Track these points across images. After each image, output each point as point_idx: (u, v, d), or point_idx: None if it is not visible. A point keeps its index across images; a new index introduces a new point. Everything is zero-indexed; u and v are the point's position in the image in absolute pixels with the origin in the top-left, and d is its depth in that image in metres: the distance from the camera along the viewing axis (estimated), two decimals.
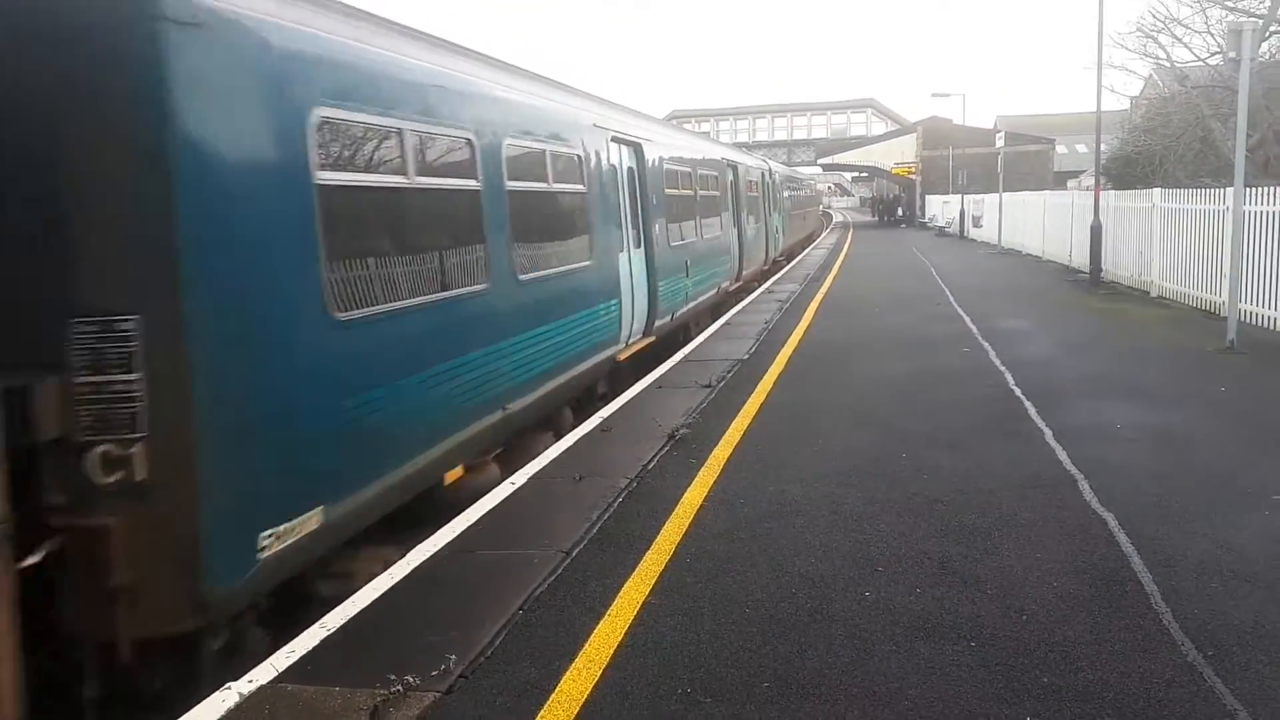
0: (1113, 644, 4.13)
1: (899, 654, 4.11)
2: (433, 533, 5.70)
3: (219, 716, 3.70)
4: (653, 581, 4.96)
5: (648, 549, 5.41)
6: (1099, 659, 4.01)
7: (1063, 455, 6.94)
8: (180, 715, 3.71)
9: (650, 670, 4.05)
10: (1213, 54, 21.55)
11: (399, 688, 3.82)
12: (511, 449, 7.53)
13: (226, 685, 3.91)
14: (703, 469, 6.92)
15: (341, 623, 4.51)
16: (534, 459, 7.39)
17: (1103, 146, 20.69)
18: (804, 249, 37.92)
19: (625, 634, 4.38)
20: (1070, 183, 45.93)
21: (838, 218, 78.20)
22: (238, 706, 3.77)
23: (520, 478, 6.87)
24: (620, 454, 7.44)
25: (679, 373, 11.01)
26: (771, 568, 5.10)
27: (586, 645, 4.27)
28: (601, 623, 4.49)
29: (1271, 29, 19.63)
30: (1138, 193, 18.36)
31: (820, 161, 65.77)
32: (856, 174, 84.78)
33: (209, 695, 3.86)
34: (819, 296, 18.79)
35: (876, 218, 69.98)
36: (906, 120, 65.95)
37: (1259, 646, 4.05)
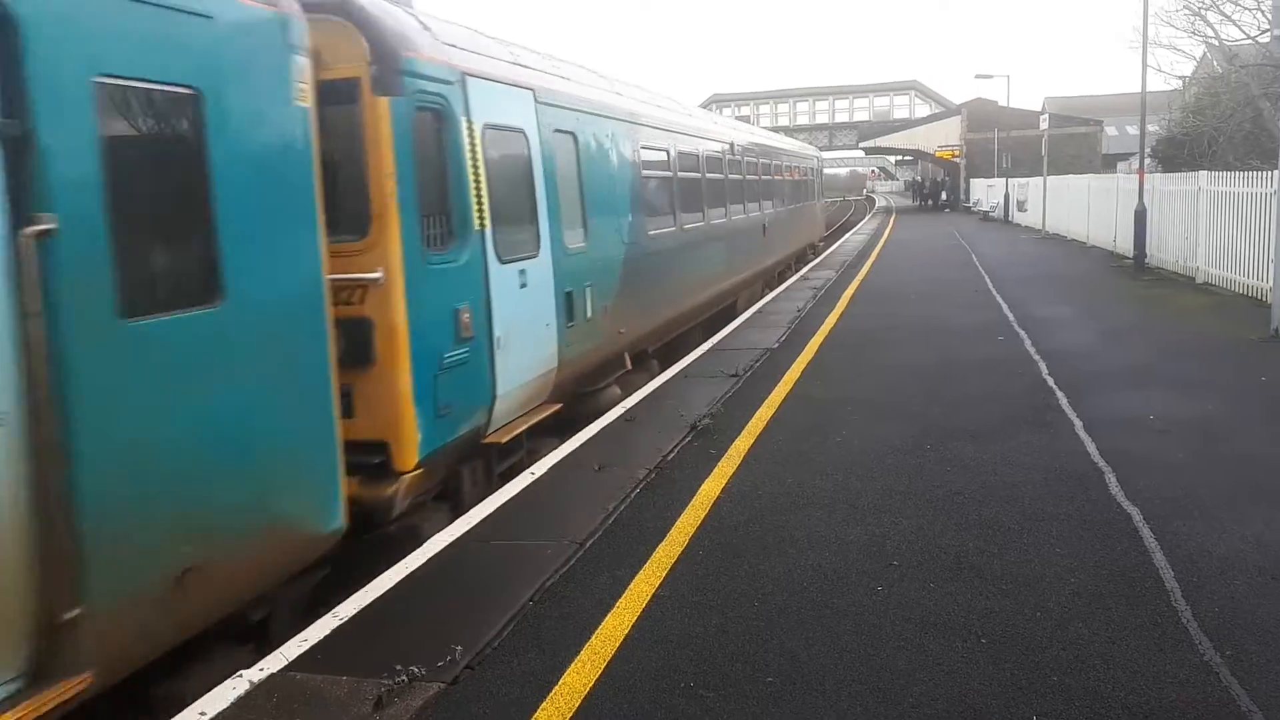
0: (1127, 642, 4.05)
1: (907, 650, 4.07)
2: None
3: (229, 703, 3.77)
4: (664, 574, 4.96)
5: (661, 541, 5.40)
6: (1112, 658, 3.93)
7: (1091, 448, 6.81)
8: (193, 702, 3.79)
9: (654, 663, 4.05)
10: (1263, 31, 20.91)
11: (404, 678, 3.86)
12: None
13: (238, 673, 3.98)
14: (723, 460, 6.90)
15: (354, 612, 4.57)
16: (556, 449, 7.42)
17: (1153, 128, 20.17)
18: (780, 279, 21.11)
19: (632, 627, 4.38)
20: (1120, 165, 44.92)
21: (880, 202, 77.28)
22: (247, 694, 3.84)
23: (540, 467, 6.89)
24: (642, 444, 7.44)
25: (706, 362, 10.97)
26: (785, 561, 5.07)
27: (593, 638, 4.28)
28: (610, 615, 4.50)
29: None
30: (1183, 175, 17.89)
31: (862, 145, 64.99)
32: (900, 157, 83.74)
33: (220, 683, 3.93)
34: (855, 283, 18.59)
35: (919, 202, 68.99)
36: (951, 102, 64.88)
37: None
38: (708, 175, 13.61)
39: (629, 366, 9.63)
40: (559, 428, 7.98)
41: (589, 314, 8.33)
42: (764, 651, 4.11)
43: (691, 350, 11.76)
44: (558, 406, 7.73)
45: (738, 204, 15.76)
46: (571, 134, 8.38)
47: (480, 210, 6.41)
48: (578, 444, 7.56)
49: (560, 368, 7.69)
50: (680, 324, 12.18)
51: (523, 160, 7.39)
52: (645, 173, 10.53)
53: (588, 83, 9.38)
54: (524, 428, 7.06)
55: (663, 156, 11.42)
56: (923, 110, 68.34)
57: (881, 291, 17.24)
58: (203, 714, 3.68)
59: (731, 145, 15.74)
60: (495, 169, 6.69)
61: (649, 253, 10.30)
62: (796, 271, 22.06)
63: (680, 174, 12.04)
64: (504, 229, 6.75)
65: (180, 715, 3.70)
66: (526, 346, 7.02)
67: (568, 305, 7.86)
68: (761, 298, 17.33)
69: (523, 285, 7.02)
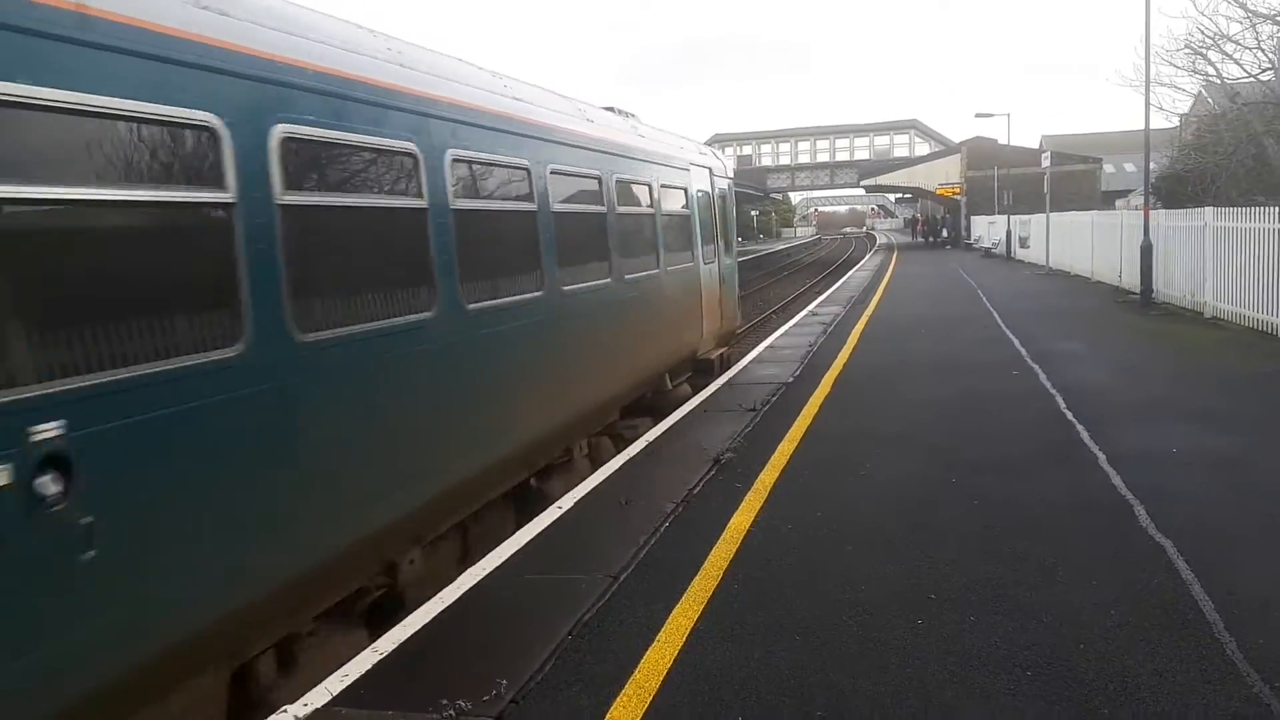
0: (1174, 675, 4.04)
1: (954, 683, 4.06)
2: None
3: None
4: (701, 607, 4.95)
5: (695, 574, 5.39)
6: (1160, 690, 3.92)
7: (1117, 480, 6.81)
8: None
9: (700, 698, 4.04)
10: (1264, 70, 21.19)
11: (451, 712, 3.85)
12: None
13: (283, 709, 3.97)
14: (749, 494, 6.90)
15: (393, 646, 4.56)
16: (580, 483, 7.42)
17: (1151, 165, 20.36)
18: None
19: (674, 661, 4.37)
20: (1119, 202, 45.24)
21: (881, 239, 77.72)
22: None
23: (567, 501, 6.90)
24: (666, 478, 7.45)
25: (723, 396, 10.99)
26: (822, 595, 5.06)
27: (636, 672, 4.27)
28: (650, 649, 4.49)
29: None
30: (1189, 211, 18.03)
31: (864, 183, 65.53)
32: (900, 195, 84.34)
33: (266, 718, 3.91)
34: (863, 319, 18.66)
35: (921, 239, 69.41)
36: (950, 141, 65.50)
37: None
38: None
39: None
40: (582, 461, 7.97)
41: None
42: (809, 685, 4.10)
43: None
44: None
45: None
46: None
47: None
48: (601, 478, 7.56)
49: None
50: None
51: None
52: None
53: None
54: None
55: None
56: (923, 148, 68.98)
57: (891, 327, 17.31)
58: None
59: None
60: None
61: None
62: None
63: None
64: None
65: None
66: None
67: None
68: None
69: None
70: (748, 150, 75.91)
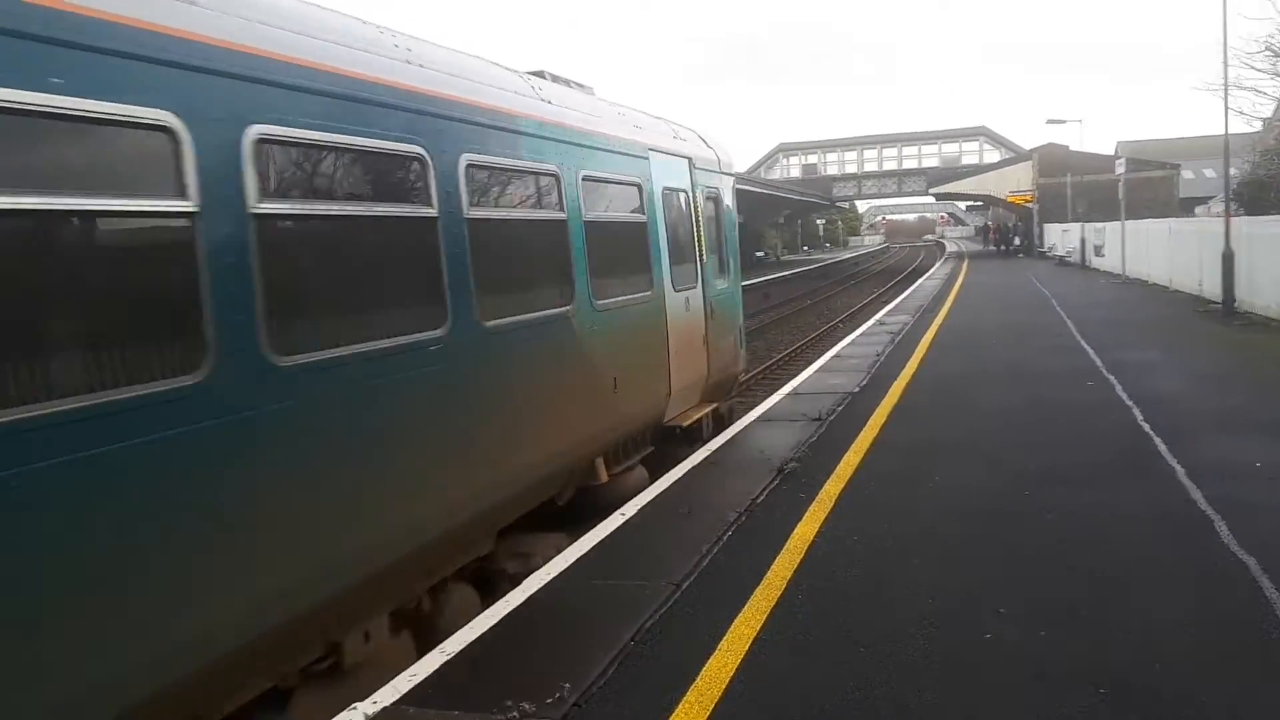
0: (1259, 698, 3.89)
1: (1022, 701, 3.96)
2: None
3: None
4: (764, 617, 4.92)
5: (758, 584, 5.37)
6: (1243, 714, 3.78)
7: (1196, 495, 6.60)
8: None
9: (763, 708, 4.01)
10: None
11: (515, 714, 3.89)
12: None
13: (352, 706, 4.05)
14: (813, 504, 6.84)
15: (460, 648, 4.62)
16: (642, 491, 7.44)
17: (1232, 171, 19.68)
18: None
19: (737, 670, 4.35)
20: (1198, 209, 43.86)
21: (951, 247, 76.47)
22: None
23: (630, 509, 6.92)
24: (728, 487, 7.43)
25: (786, 406, 10.92)
26: (887, 607, 4.99)
27: (698, 679, 4.26)
28: (713, 657, 4.48)
29: None
30: (1275, 218, 17.39)
31: (932, 191, 64.62)
32: (970, 203, 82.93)
33: (336, 715, 4.00)
34: (933, 328, 18.38)
35: (993, 247, 68.15)
36: (1021, 148, 64.19)
37: None
38: None
39: None
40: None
41: None
42: (873, 699, 4.05)
43: None
44: None
45: None
46: None
47: None
48: (663, 487, 7.57)
49: None
50: None
51: None
52: None
53: None
54: None
55: None
56: (992, 156, 67.84)
57: (962, 336, 17.01)
58: None
59: None
60: None
61: None
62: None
63: None
64: None
65: None
66: None
67: None
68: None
69: None
70: (813, 159, 75.43)
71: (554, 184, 6.69)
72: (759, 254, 73.38)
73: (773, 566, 5.63)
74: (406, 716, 3.97)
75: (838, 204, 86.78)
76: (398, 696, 4.13)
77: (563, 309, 6.63)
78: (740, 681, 4.25)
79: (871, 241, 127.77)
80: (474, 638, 4.73)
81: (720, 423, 10.06)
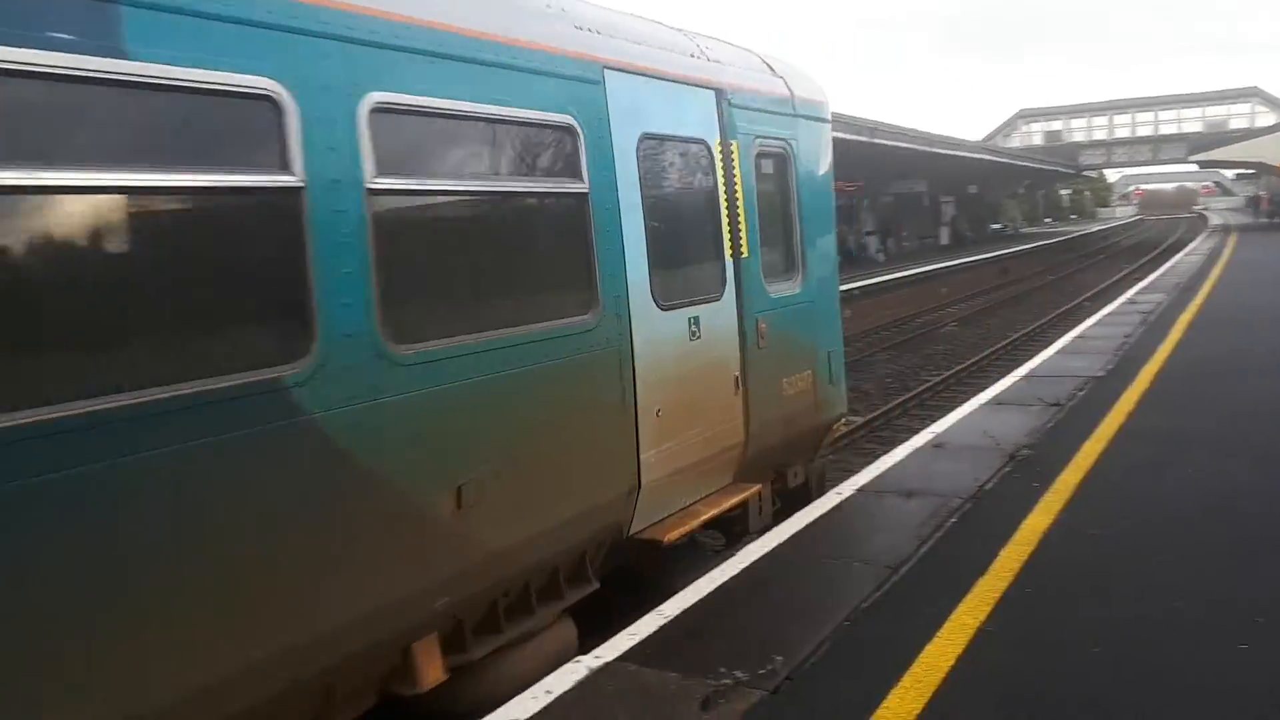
0: None
1: None
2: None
3: (570, 685, 4.08)
4: (988, 608, 4.74)
5: (983, 574, 5.17)
6: None
7: None
8: (534, 683, 4.10)
9: (985, 702, 3.88)
10: None
11: (729, 681, 3.98)
12: None
13: (576, 659, 4.29)
14: (1048, 493, 6.48)
15: (677, 612, 4.77)
16: (861, 470, 7.33)
17: None
18: None
19: (957, 660, 4.22)
20: None
21: (1215, 220, 69.30)
22: (586, 679, 4.12)
23: (847, 489, 6.84)
24: (954, 472, 7.17)
25: (1020, 390, 10.36)
26: (1127, 607, 4.67)
27: (914, 666, 4.18)
28: (930, 644, 4.37)
29: None
30: None
31: (1193, 158, 58.67)
32: (1240, 171, 74.72)
33: (560, 667, 4.26)
34: (1191, 308, 16.79)
35: (1265, 219, 61.12)
36: None
37: None
38: None
39: None
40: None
41: None
42: (1106, 702, 3.82)
43: None
44: None
45: None
46: None
47: None
48: (884, 468, 7.42)
49: None
50: None
51: None
52: None
53: None
54: None
55: None
56: (1265, 120, 60.78)
57: (1223, 317, 15.44)
58: (549, 692, 4.00)
59: None
60: None
61: None
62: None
63: None
64: None
65: (528, 690, 4.05)
66: None
67: None
68: None
69: None
70: (1056, 126, 70.39)
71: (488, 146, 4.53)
72: (995, 226, 69.80)
73: (999, 557, 5.40)
74: (627, 673, 4.16)
75: (1084, 172, 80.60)
76: (618, 654, 4.33)
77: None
78: (960, 671, 4.12)
79: (1123, 214, 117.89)
80: (690, 604, 4.87)
81: (798, 497, 6.96)
